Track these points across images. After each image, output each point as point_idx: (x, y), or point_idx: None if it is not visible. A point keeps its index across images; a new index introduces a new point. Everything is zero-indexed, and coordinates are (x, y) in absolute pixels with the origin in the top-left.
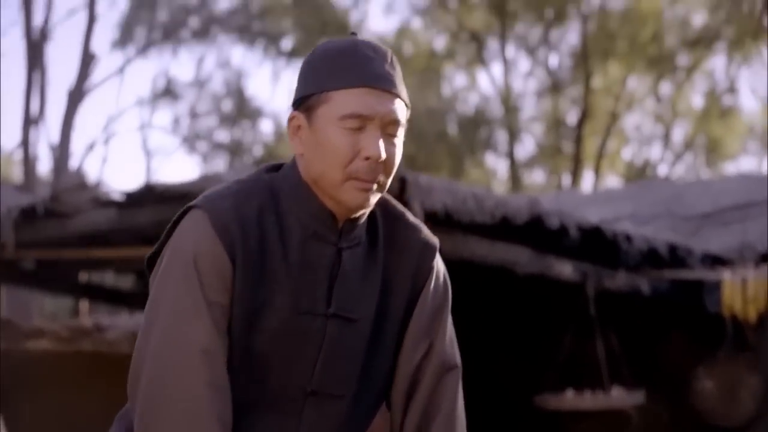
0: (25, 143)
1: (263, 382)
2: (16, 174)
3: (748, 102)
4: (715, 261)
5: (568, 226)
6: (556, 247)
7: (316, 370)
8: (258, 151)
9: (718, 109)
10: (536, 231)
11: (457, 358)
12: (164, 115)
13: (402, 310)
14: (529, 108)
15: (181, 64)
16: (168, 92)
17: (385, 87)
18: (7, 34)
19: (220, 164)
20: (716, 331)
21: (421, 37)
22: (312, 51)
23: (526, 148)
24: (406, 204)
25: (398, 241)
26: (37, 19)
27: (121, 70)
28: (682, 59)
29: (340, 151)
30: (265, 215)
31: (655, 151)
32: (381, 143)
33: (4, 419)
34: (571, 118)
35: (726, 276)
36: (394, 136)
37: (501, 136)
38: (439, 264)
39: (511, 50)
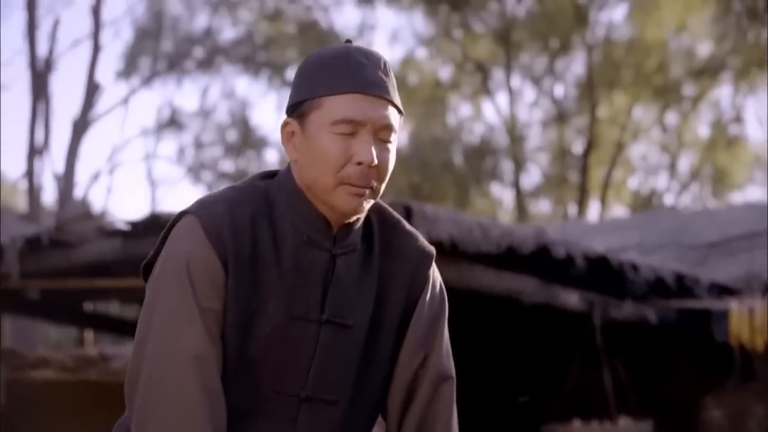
0: (29, 173)
1: (257, 389)
2: (21, 204)
3: (754, 131)
4: (723, 290)
5: (574, 255)
6: (562, 276)
7: (310, 376)
8: None
9: (725, 138)
10: (542, 261)
11: (453, 370)
12: (169, 145)
13: (397, 318)
14: (534, 138)
15: (186, 94)
16: (173, 122)
17: (377, 93)
18: (12, 64)
19: None
20: (724, 360)
21: (426, 67)
22: (306, 58)
23: (531, 177)
24: None
25: (394, 249)
26: (42, 50)
27: (125, 100)
28: (688, 89)
29: (332, 157)
30: (258, 221)
31: (661, 181)
32: (373, 148)
33: None
34: (577, 147)
35: (733, 305)
36: (387, 141)
37: (506, 166)
38: (435, 273)
39: (516, 80)
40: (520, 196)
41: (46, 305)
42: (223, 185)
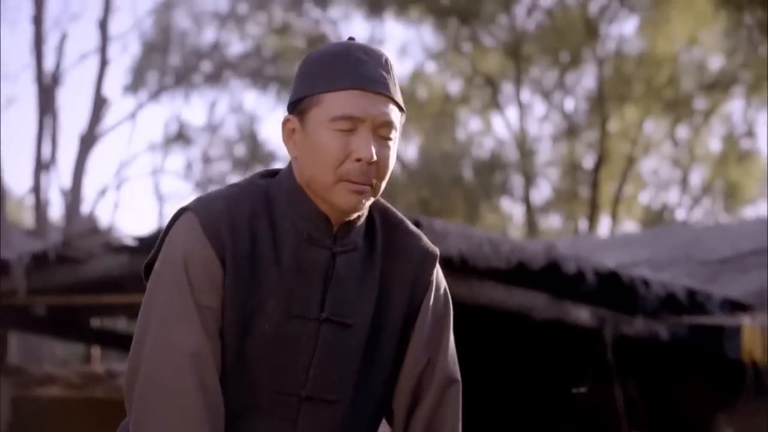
0: (36, 188)
1: (257, 387)
2: (28, 219)
3: (766, 145)
4: (735, 306)
5: (585, 271)
6: (573, 292)
7: (310, 376)
8: None
9: (736, 152)
10: (553, 276)
11: (458, 373)
12: (177, 159)
13: (400, 318)
14: (544, 152)
15: (194, 108)
16: (180, 137)
17: (377, 89)
18: (19, 78)
19: None
20: (736, 377)
21: (436, 81)
22: (307, 55)
23: (542, 192)
24: None
25: (397, 248)
26: (49, 64)
27: (133, 114)
28: (700, 103)
29: (331, 153)
30: (257, 219)
31: (672, 196)
32: (372, 145)
33: None
34: (588, 162)
35: (746, 321)
36: (387, 138)
37: (516, 181)
38: (439, 275)
39: (526, 94)
40: (531, 211)
41: (53, 321)
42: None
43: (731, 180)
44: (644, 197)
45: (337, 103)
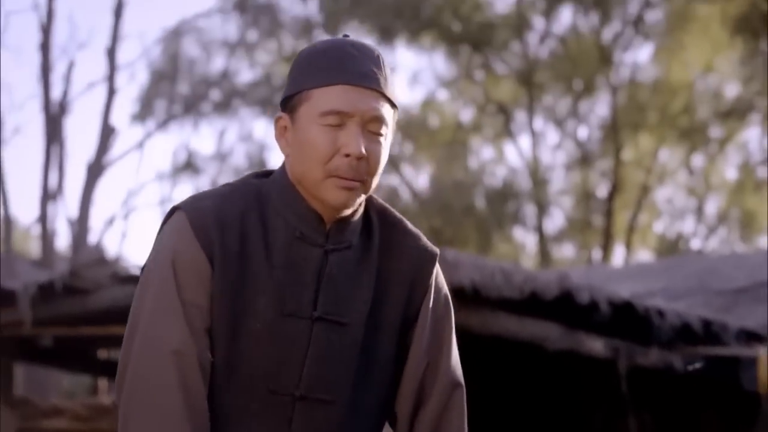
0: (43, 218)
1: (251, 387)
2: (34, 249)
3: None
4: (751, 337)
5: (598, 301)
6: (586, 322)
7: (304, 375)
8: None
9: (753, 181)
10: (566, 306)
11: (462, 378)
12: (185, 189)
13: (399, 317)
14: (558, 181)
15: (203, 137)
16: (189, 166)
17: (366, 84)
18: (26, 107)
19: None
20: (752, 409)
21: (447, 109)
22: (299, 52)
23: (555, 221)
24: None
25: (395, 247)
26: (56, 93)
27: (141, 143)
28: (715, 131)
29: (320, 148)
30: (248, 216)
31: (687, 225)
32: (362, 140)
33: None
34: (601, 191)
35: (762, 352)
36: (377, 134)
37: (529, 210)
38: (439, 277)
39: (539, 122)
40: (544, 241)
41: (60, 353)
42: None
43: (747, 209)
44: (659, 226)
45: (325, 98)
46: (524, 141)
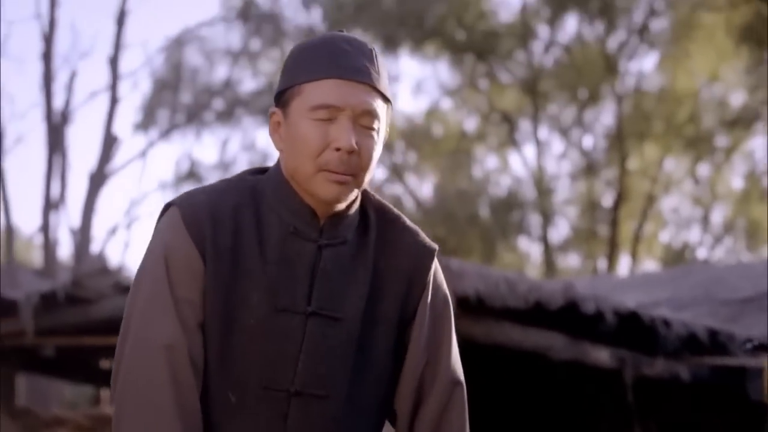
0: (45, 227)
1: (246, 383)
2: (37, 259)
3: None
4: (757, 347)
5: (604, 311)
6: (591, 332)
7: (299, 370)
8: None
9: (759, 190)
10: (571, 316)
11: (462, 375)
12: None
13: (396, 313)
14: (563, 190)
15: (205, 146)
16: (192, 175)
17: (358, 78)
18: (28, 116)
19: None
20: (759, 419)
21: (452, 118)
22: (292, 48)
23: (560, 231)
24: None
25: (392, 243)
26: (58, 102)
27: (143, 153)
28: (721, 140)
29: (310, 143)
30: (241, 212)
31: (693, 234)
32: (353, 134)
33: None
34: (607, 200)
35: None
36: (369, 128)
37: (534, 220)
38: (438, 273)
39: (543, 131)
40: (548, 250)
41: (62, 363)
42: None
43: (753, 218)
44: (665, 236)
45: (316, 92)
46: (529, 150)
